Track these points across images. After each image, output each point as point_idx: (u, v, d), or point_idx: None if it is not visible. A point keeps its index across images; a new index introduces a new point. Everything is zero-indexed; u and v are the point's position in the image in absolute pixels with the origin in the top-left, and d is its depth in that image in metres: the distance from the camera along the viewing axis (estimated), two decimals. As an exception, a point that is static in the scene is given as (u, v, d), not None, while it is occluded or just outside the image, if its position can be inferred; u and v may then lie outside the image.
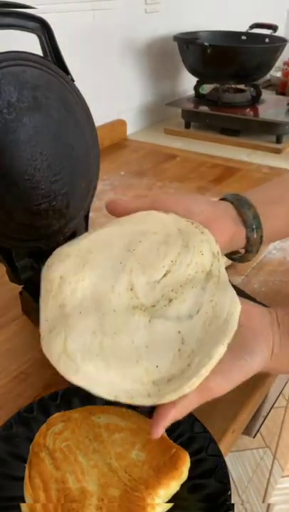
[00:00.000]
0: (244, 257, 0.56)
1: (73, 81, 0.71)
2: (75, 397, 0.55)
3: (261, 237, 0.52)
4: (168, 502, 0.46)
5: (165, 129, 1.61)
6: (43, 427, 0.51)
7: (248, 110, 1.57)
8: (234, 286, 0.70)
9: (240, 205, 0.52)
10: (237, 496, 1.02)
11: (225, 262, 0.93)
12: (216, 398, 0.45)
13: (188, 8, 1.66)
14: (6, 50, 0.61)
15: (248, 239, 0.52)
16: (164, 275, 0.45)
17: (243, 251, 0.55)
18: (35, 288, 0.70)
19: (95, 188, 0.77)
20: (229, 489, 0.47)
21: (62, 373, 0.41)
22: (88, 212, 0.77)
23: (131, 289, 0.44)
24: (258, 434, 0.80)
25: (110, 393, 0.40)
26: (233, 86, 1.62)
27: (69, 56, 0.71)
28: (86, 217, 0.77)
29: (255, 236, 0.52)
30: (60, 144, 0.69)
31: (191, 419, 0.53)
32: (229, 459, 0.63)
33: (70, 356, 0.41)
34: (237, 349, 0.44)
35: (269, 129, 1.47)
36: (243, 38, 1.67)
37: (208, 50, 1.43)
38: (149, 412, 0.44)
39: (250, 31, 1.70)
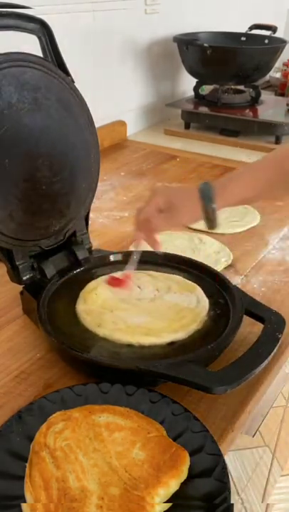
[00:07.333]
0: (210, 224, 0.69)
1: (73, 82, 0.71)
2: (76, 397, 0.56)
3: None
4: (168, 501, 0.46)
5: (165, 130, 1.61)
6: (44, 426, 0.52)
7: (247, 111, 1.57)
8: (234, 287, 0.72)
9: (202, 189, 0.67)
10: (236, 494, 1.02)
11: (225, 261, 0.93)
12: (215, 398, 0.45)
13: (188, 9, 1.66)
14: (6, 52, 0.62)
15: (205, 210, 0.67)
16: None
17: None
18: (35, 288, 0.70)
19: (95, 188, 0.77)
20: (228, 488, 0.47)
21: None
22: (88, 213, 0.78)
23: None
24: (258, 433, 0.80)
25: None
26: (232, 87, 1.63)
27: (69, 57, 0.71)
28: (86, 217, 0.78)
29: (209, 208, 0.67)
30: (60, 145, 0.70)
31: (190, 418, 0.53)
32: (228, 458, 0.63)
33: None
34: None
35: (268, 129, 1.48)
36: (243, 39, 1.68)
37: (208, 51, 1.43)
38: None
39: (249, 32, 1.71)
